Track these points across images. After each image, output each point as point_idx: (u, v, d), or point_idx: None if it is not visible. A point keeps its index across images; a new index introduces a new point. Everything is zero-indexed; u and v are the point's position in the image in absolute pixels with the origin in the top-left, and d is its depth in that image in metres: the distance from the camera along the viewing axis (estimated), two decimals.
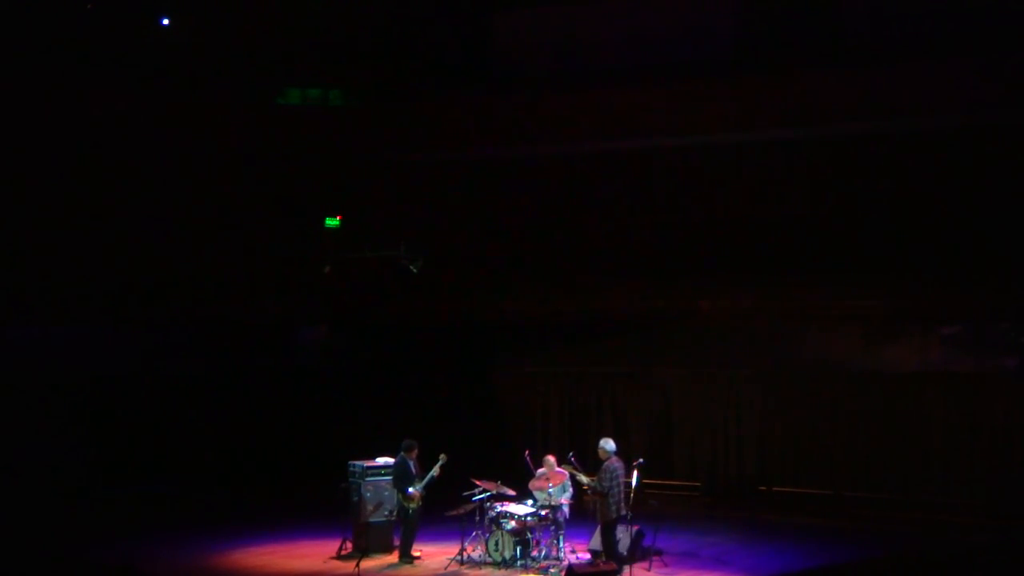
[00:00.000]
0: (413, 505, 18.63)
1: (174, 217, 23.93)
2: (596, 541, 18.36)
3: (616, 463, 17.77)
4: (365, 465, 19.46)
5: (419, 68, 25.19)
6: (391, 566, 18.68)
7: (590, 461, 18.59)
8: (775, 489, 22.89)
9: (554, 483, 18.48)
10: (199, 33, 24.39)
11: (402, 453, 18.83)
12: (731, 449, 23.27)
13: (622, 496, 17.76)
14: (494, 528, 18.37)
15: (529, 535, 18.20)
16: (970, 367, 21.35)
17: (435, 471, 18.56)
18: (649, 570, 18.19)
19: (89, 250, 23.12)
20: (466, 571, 18.27)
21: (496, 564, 18.20)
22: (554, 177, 24.32)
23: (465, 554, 18.55)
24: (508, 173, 24.57)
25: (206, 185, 24.20)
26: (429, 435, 19.60)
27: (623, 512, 17.79)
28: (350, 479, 19.52)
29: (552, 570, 17.93)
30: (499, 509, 18.45)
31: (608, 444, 17.95)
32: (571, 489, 18.51)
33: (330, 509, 19.60)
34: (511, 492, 18.75)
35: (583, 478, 18.15)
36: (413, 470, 18.74)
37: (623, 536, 18.43)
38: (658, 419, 23.94)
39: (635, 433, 23.94)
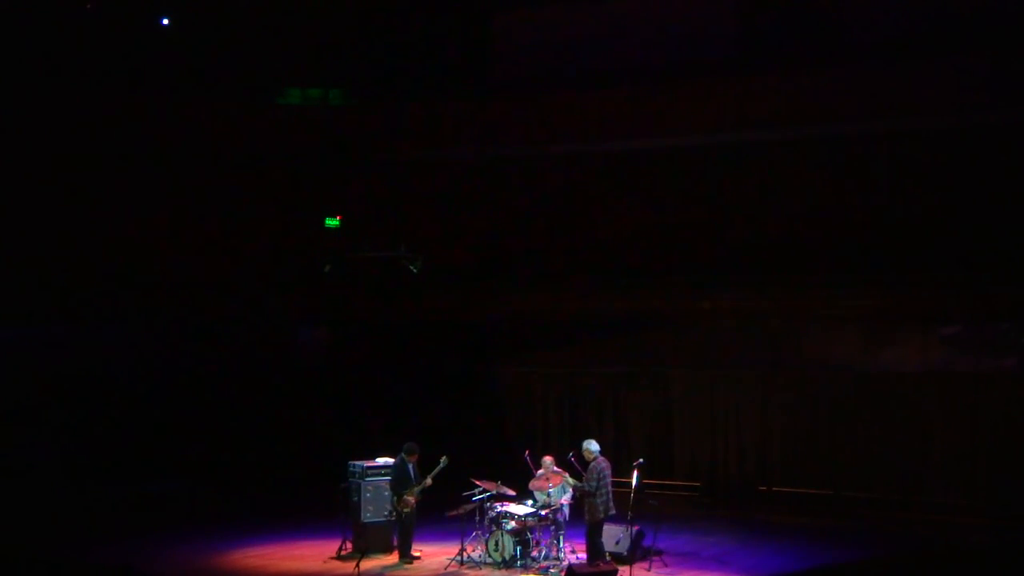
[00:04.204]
0: (407, 510, 18.61)
1: (174, 217, 23.94)
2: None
3: (602, 463, 17.76)
4: (365, 465, 19.47)
5: (419, 68, 25.18)
6: (391, 566, 18.68)
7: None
8: (775, 489, 22.88)
9: (554, 483, 18.48)
10: (199, 33, 24.39)
11: (402, 455, 18.82)
12: (731, 449, 23.27)
13: (610, 496, 17.74)
14: (494, 528, 18.37)
15: (529, 535, 18.20)
16: (970, 367, 21.35)
17: (427, 481, 18.55)
18: (649, 570, 18.20)
19: (89, 250, 23.13)
20: (466, 571, 18.27)
21: (496, 564, 18.20)
22: (554, 177, 24.32)
23: (465, 554, 18.55)
24: (508, 173, 24.57)
25: (206, 185, 24.20)
26: (428, 435, 19.62)
27: (611, 512, 17.78)
28: (350, 479, 19.52)
29: (552, 570, 17.94)
30: (499, 509, 18.45)
31: (591, 445, 17.92)
32: (571, 489, 18.50)
33: (330, 509, 19.61)
34: (511, 492, 18.76)
35: (570, 479, 18.18)
36: (412, 474, 18.73)
37: (623, 536, 18.45)
38: (658, 419, 23.94)
39: (635, 433, 23.96)
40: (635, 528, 18.53)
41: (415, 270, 22.97)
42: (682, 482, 23.44)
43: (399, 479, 18.71)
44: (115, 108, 23.39)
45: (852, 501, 22.02)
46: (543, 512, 18.33)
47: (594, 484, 17.58)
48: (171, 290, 23.76)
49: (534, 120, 24.05)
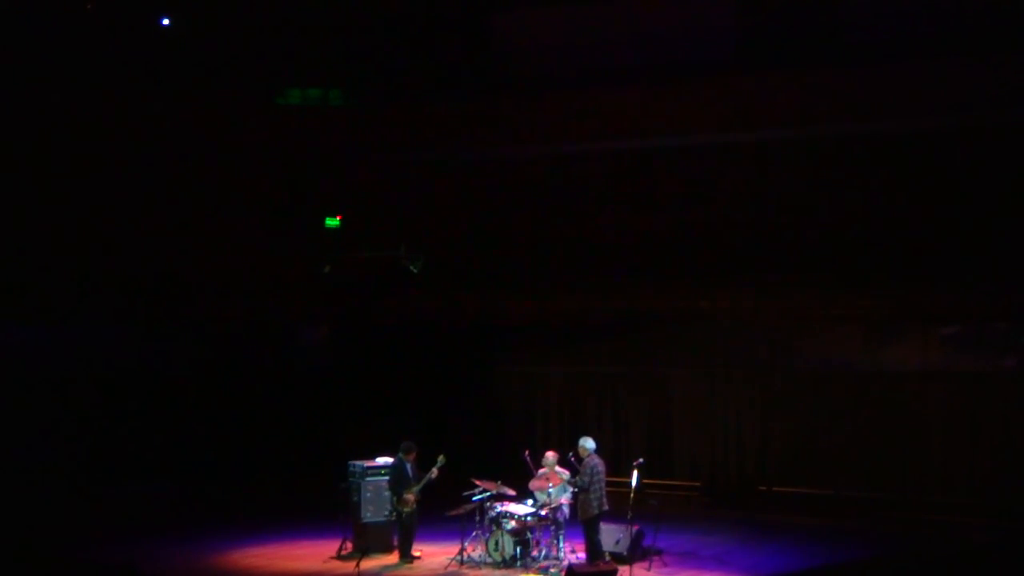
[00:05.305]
0: (407, 509, 18.62)
1: (174, 217, 23.93)
2: (601, 541, 18.31)
3: (596, 460, 17.82)
4: (365, 465, 19.47)
5: (419, 68, 25.17)
6: (391, 566, 18.69)
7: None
8: (775, 489, 22.90)
9: (554, 483, 18.49)
10: (199, 33, 24.38)
11: (400, 455, 18.83)
12: (731, 449, 23.28)
13: (604, 493, 17.79)
14: (494, 528, 18.37)
15: (529, 535, 18.20)
16: (970, 367, 21.36)
17: (433, 473, 18.55)
18: (649, 570, 18.20)
19: (89, 250, 23.12)
20: (466, 571, 18.28)
21: (496, 564, 18.20)
22: (554, 177, 24.31)
23: (465, 554, 18.55)
24: (508, 173, 24.56)
25: (206, 185, 24.19)
26: (429, 435, 19.64)
27: (605, 508, 17.82)
28: (350, 479, 19.53)
29: (552, 570, 17.94)
30: (499, 509, 18.45)
31: (587, 442, 18.04)
32: (571, 489, 18.50)
33: (330, 509, 19.61)
34: (511, 492, 18.76)
35: (563, 475, 18.21)
36: (410, 473, 18.73)
37: (623, 536, 18.45)
38: (658, 419, 23.95)
39: (635, 433, 23.97)
40: (635, 528, 18.54)
41: (415, 270, 22.95)
42: (682, 482, 23.45)
43: (397, 479, 18.72)
44: (115, 108, 23.36)
45: (852, 501, 22.03)
46: (543, 512, 18.34)
47: (587, 480, 17.66)
48: (170, 290, 23.75)
49: (534, 120, 24.02)
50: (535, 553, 18.26)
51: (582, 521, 17.87)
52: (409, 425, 20.78)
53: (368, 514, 19.30)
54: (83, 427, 23.52)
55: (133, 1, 24.10)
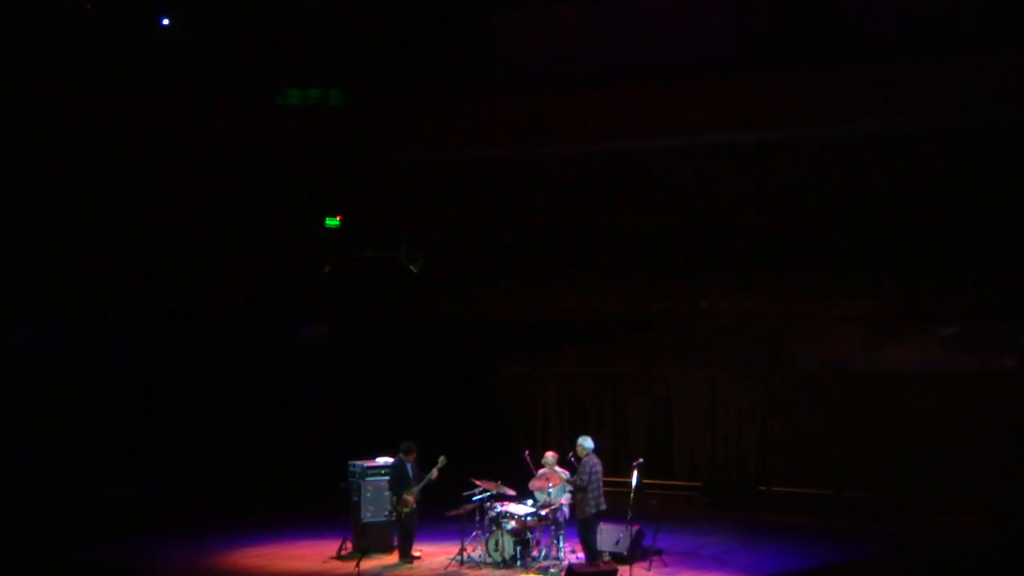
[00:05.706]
0: (407, 509, 18.62)
1: (174, 217, 23.92)
2: (601, 541, 18.32)
3: (594, 460, 17.85)
4: (365, 465, 19.48)
5: (419, 68, 25.18)
6: (391, 566, 18.69)
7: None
8: (775, 489, 22.91)
9: (554, 483, 18.50)
10: (199, 33, 24.38)
11: (400, 455, 18.83)
12: (731, 449, 23.29)
13: (601, 492, 17.81)
14: (494, 528, 18.38)
15: (529, 535, 18.21)
16: (970, 367, 21.38)
17: (433, 473, 18.55)
18: (649, 570, 18.20)
19: (90, 250, 23.12)
20: (466, 571, 18.28)
21: (496, 564, 18.21)
22: (554, 177, 24.31)
23: (465, 554, 18.55)
24: (508, 173, 24.56)
25: (206, 185, 24.19)
26: (429, 435, 19.63)
27: (603, 507, 17.84)
28: (350, 479, 19.54)
29: (552, 570, 17.94)
30: (499, 509, 18.46)
31: (586, 441, 18.03)
32: (571, 489, 18.50)
33: (330, 509, 19.62)
34: (511, 492, 18.77)
35: (563, 473, 18.23)
36: (410, 473, 18.73)
37: (623, 536, 18.46)
38: (658, 419, 23.96)
39: (635, 433, 23.98)
40: (635, 528, 18.55)
41: (415, 270, 22.96)
42: (682, 482, 23.46)
43: (397, 479, 18.73)
44: (115, 109, 23.37)
45: (852, 501, 22.04)
46: (543, 512, 18.34)
47: (585, 479, 17.67)
48: (171, 290, 23.75)
49: (534, 120, 24.03)
50: (535, 553, 18.27)
51: (578, 520, 17.87)
52: (409, 425, 20.79)
53: (368, 514, 19.31)
54: (83, 427, 23.52)
55: (133, 1, 24.09)
